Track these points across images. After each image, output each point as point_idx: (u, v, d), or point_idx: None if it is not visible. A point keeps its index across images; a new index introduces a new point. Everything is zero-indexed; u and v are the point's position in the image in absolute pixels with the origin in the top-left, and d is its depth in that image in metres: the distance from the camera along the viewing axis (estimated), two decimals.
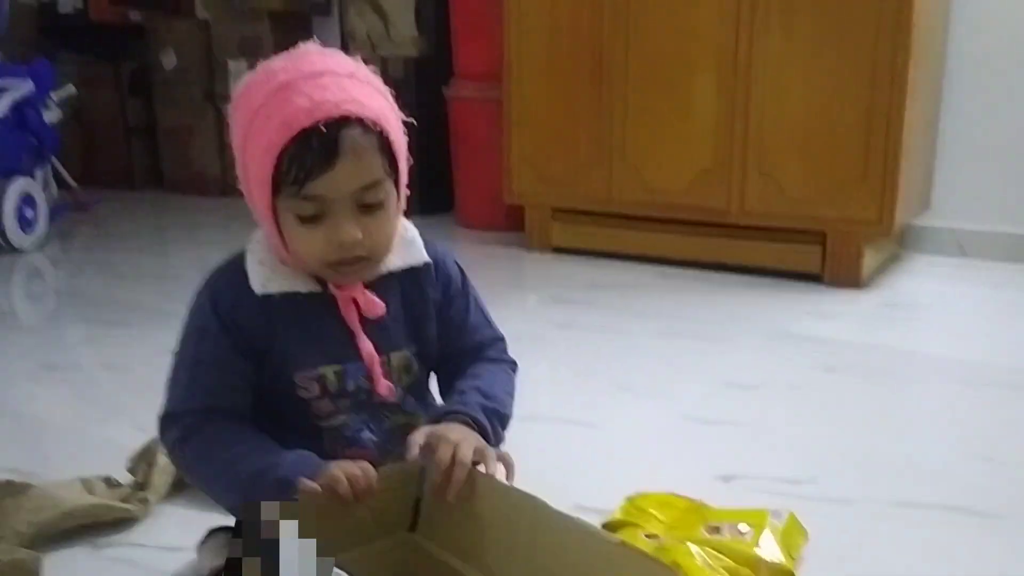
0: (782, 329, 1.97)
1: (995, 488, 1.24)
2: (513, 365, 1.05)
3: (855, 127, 2.25)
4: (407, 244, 0.95)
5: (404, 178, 0.90)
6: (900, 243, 2.73)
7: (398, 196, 0.90)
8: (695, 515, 1.07)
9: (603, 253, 2.64)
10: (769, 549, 0.99)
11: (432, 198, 3.31)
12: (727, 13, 2.34)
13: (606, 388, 1.62)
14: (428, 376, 1.01)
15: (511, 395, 1.00)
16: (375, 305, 0.91)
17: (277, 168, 0.83)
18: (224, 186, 3.68)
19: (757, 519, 1.04)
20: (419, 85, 3.23)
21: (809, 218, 2.34)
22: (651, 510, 1.08)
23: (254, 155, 0.85)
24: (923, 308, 2.18)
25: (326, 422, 0.92)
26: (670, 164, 2.50)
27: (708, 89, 2.41)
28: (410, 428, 0.93)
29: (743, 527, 1.02)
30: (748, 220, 2.42)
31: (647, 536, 1.01)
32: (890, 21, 2.16)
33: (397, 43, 3.32)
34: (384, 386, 0.93)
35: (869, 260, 2.37)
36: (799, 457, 1.34)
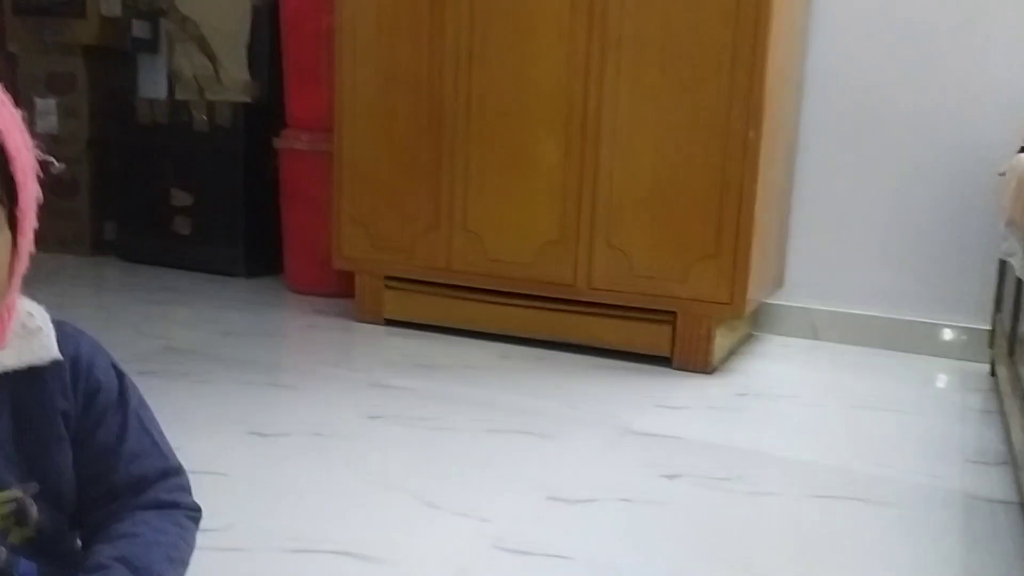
0: (623, 425, 1.75)
1: None
2: (192, 512, 0.77)
3: (706, 198, 2.10)
4: (28, 334, 0.67)
5: (29, 216, 0.62)
6: (753, 323, 2.59)
7: (14, 240, 0.62)
8: None
9: (440, 328, 2.39)
10: None
11: (259, 258, 3.01)
12: (575, 68, 2.17)
13: (406, 505, 1.34)
14: (66, 524, 0.71)
15: (182, 561, 0.71)
16: None
17: None
18: None
19: None
20: (249, 134, 2.93)
21: (659, 296, 2.16)
22: None
23: None
24: (774, 399, 2.02)
25: None
26: (513, 232, 2.29)
27: (554, 150, 2.22)
28: None
29: None
30: (596, 296, 2.22)
31: None
32: (742, 88, 2.03)
33: (227, 87, 3.01)
34: None
35: (721, 341, 2.20)
36: None
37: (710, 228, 2.10)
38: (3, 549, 0.64)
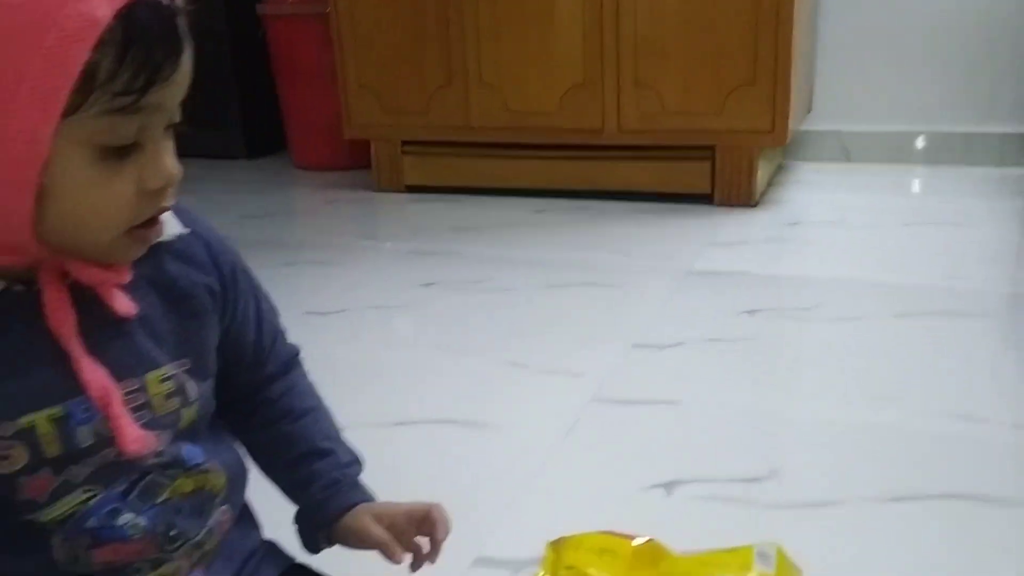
0: (683, 266, 1.69)
1: (994, 461, 1.00)
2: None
3: (740, 23, 1.97)
4: None
5: None
6: (784, 152, 2.51)
7: None
8: (648, 568, 0.77)
9: (465, 189, 2.29)
10: None
11: (260, 137, 2.87)
12: None
13: (493, 369, 1.29)
14: (214, 402, 0.66)
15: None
16: (121, 300, 0.56)
17: (87, 69, 0.48)
18: None
19: (738, 566, 0.75)
20: (229, 3, 2.72)
21: (695, 132, 2.07)
22: (590, 566, 0.77)
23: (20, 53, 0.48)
24: (827, 225, 1.96)
25: (47, 513, 0.55)
26: (534, 82, 2.16)
27: None
28: (205, 494, 0.61)
29: None
30: (627, 139, 2.12)
31: None
32: None
33: None
34: (132, 435, 0.55)
35: (760, 175, 2.13)
36: (750, 441, 1.06)
37: (746, 54, 1.98)
38: (165, 433, 0.58)
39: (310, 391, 0.73)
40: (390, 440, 1.10)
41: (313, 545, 0.71)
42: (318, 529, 0.70)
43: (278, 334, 0.71)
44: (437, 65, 2.22)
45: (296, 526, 0.72)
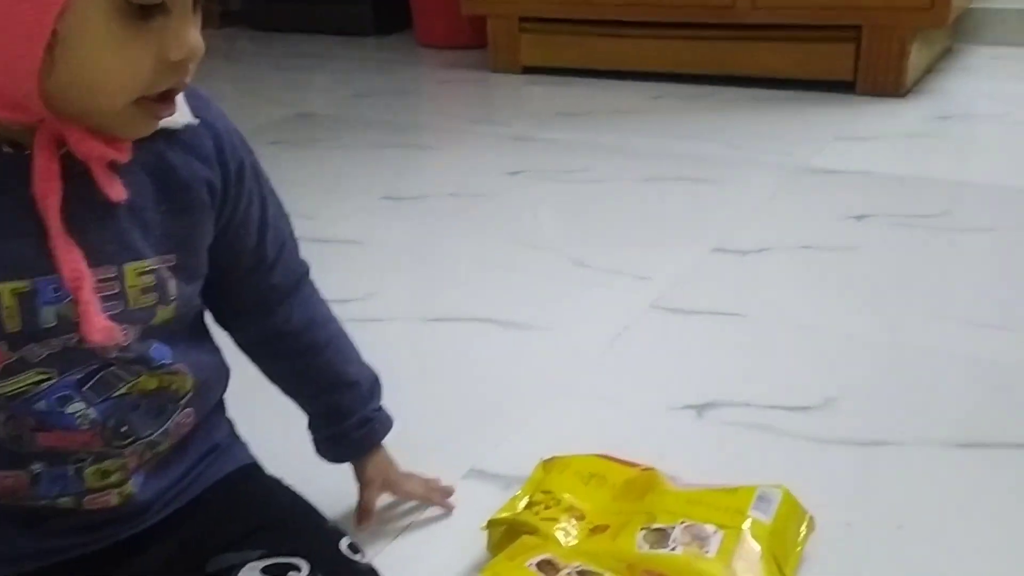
0: (799, 163, 1.52)
1: None
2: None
3: None
4: None
5: None
6: (953, 35, 2.19)
7: None
8: (634, 500, 0.69)
9: (584, 72, 2.15)
10: (747, 572, 0.61)
11: (387, 14, 2.82)
12: None
13: (554, 266, 1.21)
14: (199, 304, 0.62)
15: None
16: (113, 183, 0.52)
17: None
18: None
19: (731, 510, 0.66)
20: None
21: (839, 8, 1.83)
22: (568, 492, 0.70)
23: None
24: (982, 120, 1.70)
25: (1, 386, 0.55)
26: None
27: None
28: (168, 395, 0.58)
29: (708, 529, 0.64)
30: (761, 17, 1.90)
31: (539, 564, 0.62)
32: None
33: None
34: (98, 324, 0.52)
35: (915, 60, 1.86)
36: (810, 365, 0.94)
37: None
38: (135, 328, 0.55)
39: (324, 310, 0.69)
40: (425, 338, 1.05)
41: (332, 456, 0.73)
42: (337, 451, 0.72)
43: (285, 244, 0.65)
44: None
45: (312, 435, 0.72)
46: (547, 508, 0.68)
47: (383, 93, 2.20)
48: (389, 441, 0.72)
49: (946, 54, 2.15)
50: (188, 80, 0.51)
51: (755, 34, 1.93)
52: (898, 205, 1.32)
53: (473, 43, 2.48)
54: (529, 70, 2.23)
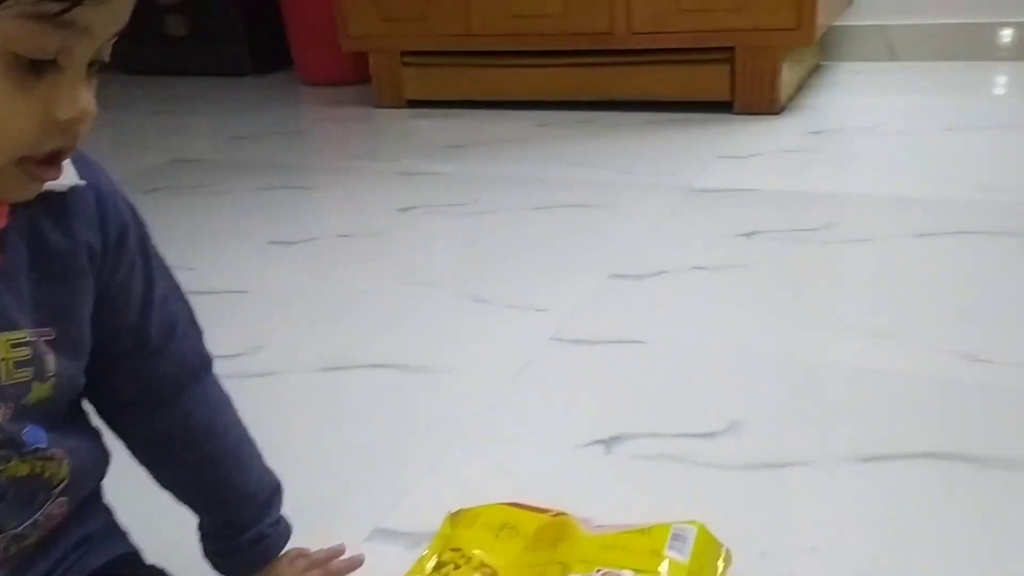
0: (685, 184, 1.54)
1: (992, 414, 0.86)
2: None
3: None
4: None
5: None
6: (821, 52, 2.29)
7: None
8: (547, 549, 0.66)
9: (468, 103, 2.15)
10: None
11: (265, 53, 2.75)
12: None
13: (450, 303, 1.18)
14: (80, 381, 0.57)
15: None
16: None
17: None
18: None
19: (646, 552, 0.64)
20: None
21: (712, 32, 1.87)
22: (478, 547, 0.67)
23: None
24: (854, 133, 1.77)
25: None
26: None
27: None
28: (41, 483, 0.52)
29: (624, 575, 0.62)
30: (639, 42, 1.94)
31: None
32: None
33: None
34: None
35: (787, 76, 1.93)
36: (713, 388, 0.94)
37: None
38: (7, 405, 0.49)
39: (226, 413, 0.63)
40: (321, 388, 1.00)
41: (222, 569, 0.66)
42: (227, 566, 0.66)
43: (177, 328, 0.59)
44: None
45: (202, 543, 0.66)
46: (457, 568, 0.65)
47: (265, 134, 2.14)
48: (286, 507, 0.68)
49: (814, 71, 2.23)
50: (77, 144, 0.47)
51: (634, 59, 1.97)
52: (783, 220, 1.35)
53: (356, 79, 2.45)
54: (414, 104, 2.21)
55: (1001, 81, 2.01)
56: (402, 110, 2.21)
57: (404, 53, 2.18)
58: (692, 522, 0.67)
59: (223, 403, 0.63)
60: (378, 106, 2.24)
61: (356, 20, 2.18)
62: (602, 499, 0.77)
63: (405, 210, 1.54)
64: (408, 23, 2.13)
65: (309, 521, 0.70)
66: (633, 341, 1.04)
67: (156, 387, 0.59)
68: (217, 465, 0.62)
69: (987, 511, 0.73)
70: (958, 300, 1.07)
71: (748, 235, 1.31)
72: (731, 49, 1.88)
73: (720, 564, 0.67)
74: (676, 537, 0.65)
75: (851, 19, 2.25)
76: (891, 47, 2.24)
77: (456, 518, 0.71)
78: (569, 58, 2.02)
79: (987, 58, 2.15)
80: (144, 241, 0.57)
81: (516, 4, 2.01)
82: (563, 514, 0.71)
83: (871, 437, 0.83)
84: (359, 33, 2.19)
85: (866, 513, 0.74)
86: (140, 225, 0.57)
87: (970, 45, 2.17)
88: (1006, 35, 2.14)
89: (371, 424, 0.92)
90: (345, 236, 1.45)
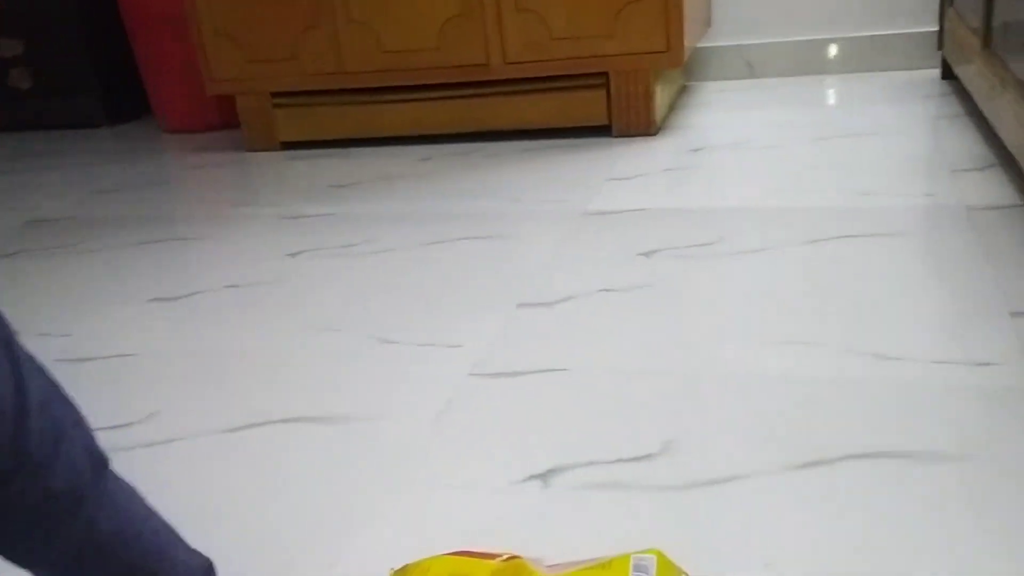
0: (578, 208, 1.54)
1: (915, 408, 0.89)
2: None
3: None
4: None
5: None
6: (685, 74, 2.37)
7: None
8: None
9: (345, 142, 2.10)
10: None
11: (119, 102, 2.62)
12: None
13: (358, 347, 1.13)
14: None
15: None
16: None
17: None
18: None
19: None
20: None
21: (585, 58, 1.90)
22: None
23: None
24: (731, 149, 1.83)
25: None
26: (408, 14, 1.96)
27: None
28: None
29: None
30: (514, 72, 1.95)
31: None
32: None
33: None
34: None
35: (659, 99, 1.98)
36: (642, 411, 0.93)
37: None
38: None
39: (136, 511, 0.56)
40: (230, 450, 0.93)
41: None
42: None
43: (65, 437, 0.51)
44: (301, 3, 2.01)
45: None
46: None
47: (130, 187, 2.02)
48: None
49: (682, 92, 2.30)
50: None
51: (512, 88, 1.97)
52: (679, 237, 1.37)
53: (222, 124, 2.36)
54: (288, 146, 2.14)
55: (852, 92, 2.13)
56: (276, 153, 2.13)
57: (274, 94, 2.11)
58: (651, 550, 0.65)
59: (130, 500, 0.57)
60: (250, 150, 2.16)
61: (220, 62, 2.09)
62: (547, 535, 0.75)
63: (294, 255, 1.48)
64: (277, 63, 2.06)
65: None
66: (555, 369, 1.02)
67: (50, 507, 0.51)
68: (136, 570, 0.56)
69: (927, 504, 0.74)
70: (857, 302, 1.11)
71: (647, 254, 1.32)
72: (605, 74, 1.92)
73: None
74: (637, 568, 0.63)
75: (712, 40, 2.34)
76: (750, 65, 2.35)
77: (402, 574, 0.67)
78: (446, 91, 2.01)
79: (835, 71, 2.28)
80: (8, 344, 0.49)
81: (388, 39, 1.98)
82: (515, 557, 0.67)
83: (803, 444, 0.84)
84: (224, 76, 2.11)
85: (813, 519, 0.74)
86: (3, 327, 0.50)
87: (821, 60, 2.29)
88: (854, 48, 2.27)
89: (293, 483, 0.86)
90: (233, 286, 1.37)
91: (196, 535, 0.61)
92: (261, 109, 2.13)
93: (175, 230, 1.69)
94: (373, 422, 0.95)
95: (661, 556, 0.65)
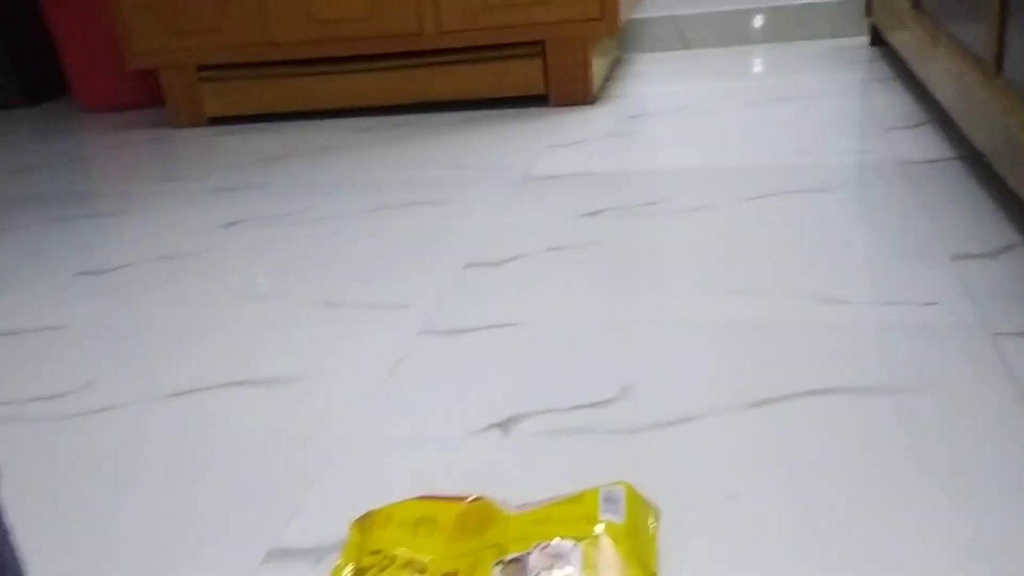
0: (520, 173, 1.53)
1: (861, 347, 0.90)
2: None
3: None
4: None
5: None
6: (620, 45, 2.37)
7: None
8: (476, 536, 0.61)
9: (278, 116, 2.04)
10: None
11: (35, 81, 2.50)
12: None
13: (301, 312, 1.10)
14: None
15: None
16: None
17: None
18: None
19: (581, 519, 0.60)
20: None
21: (521, 26, 1.89)
22: (401, 546, 0.61)
23: None
24: (669, 114, 1.84)
25: None
26: None
27: None
28: None
29: (565, 545, 0.58)
30: (449, 41, 1.92)
31: None
32: None
33: None
34: None
35: (595, 69, 1.98)
36: (597, 359, 0.92)
37: None
38: None
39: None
40: (175, 415, 0.90)
41: None
42: None
43: None
44: None
45: None
46: (382, 571, 0.58)
47: (51, 164, 1.93)
48: (170, 543, 0.58)
49: (617, 63, 2.31)
50: None
51: (448, 58, 1.95)
52: (624, 198, 1.36)
53: (146, 101, 2.28)
54: (216, 121, 2.08)
55: (783, 60, 2.16)
56: (204, 128, 2.07)
57: (200, 68, 2.04)
58: (619, 482, 0.64)
59: None
60: (176, 126, 2.09)
61: (142, 35, 2.02)
62: (511, 480, 0.73)
63: (229, 225, 1.43)
64: (201, 35, 2.00)
65: (196, 554, 0.61)
66: (506, 324, 1.00)
67: None
68: None
69: (879, 435, 0.75)
70: (799, 252, 1.12)
71: (593, 214, 1.31)
72: (542, 43, 1.90)
73: (652, 522, 0.64)
74: (607, 499, 0.62)
75: (646, 11, 2.34)
76: (684, 36, 2.36)
77: (365, 522, 0.64)
78: (380, 62, 1.97)
79: (765, 41, 2.31)
80: None
81: (316, 8, 1.94)
82: (481, 498, 0.66)
83: (756, 384, 0.84)
84: (146, 49, 2.03)
85: (772, 454, 0.74)
86: None
87: (752, 31, 2.32)
88: (784, 17, 2.30)
89: (243, 444, 0.83)
90: (166, 258, 1.32)
91: (143, 500, 0.58)
92: (186, 83, 2.06)
93: (99, 206, 1.62)
94: (322, 382, 0.93)
95: (629, 488, 0.64)
